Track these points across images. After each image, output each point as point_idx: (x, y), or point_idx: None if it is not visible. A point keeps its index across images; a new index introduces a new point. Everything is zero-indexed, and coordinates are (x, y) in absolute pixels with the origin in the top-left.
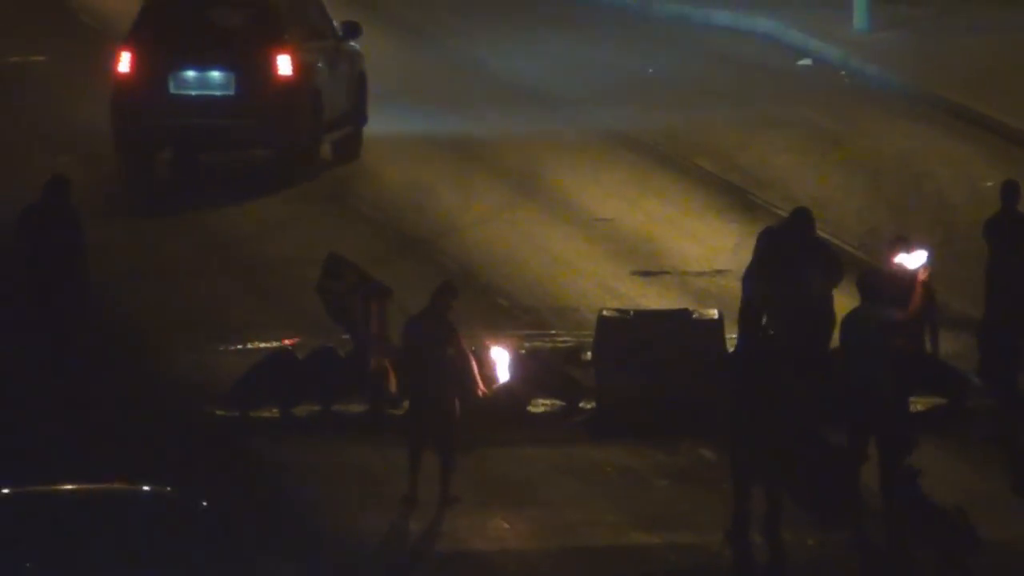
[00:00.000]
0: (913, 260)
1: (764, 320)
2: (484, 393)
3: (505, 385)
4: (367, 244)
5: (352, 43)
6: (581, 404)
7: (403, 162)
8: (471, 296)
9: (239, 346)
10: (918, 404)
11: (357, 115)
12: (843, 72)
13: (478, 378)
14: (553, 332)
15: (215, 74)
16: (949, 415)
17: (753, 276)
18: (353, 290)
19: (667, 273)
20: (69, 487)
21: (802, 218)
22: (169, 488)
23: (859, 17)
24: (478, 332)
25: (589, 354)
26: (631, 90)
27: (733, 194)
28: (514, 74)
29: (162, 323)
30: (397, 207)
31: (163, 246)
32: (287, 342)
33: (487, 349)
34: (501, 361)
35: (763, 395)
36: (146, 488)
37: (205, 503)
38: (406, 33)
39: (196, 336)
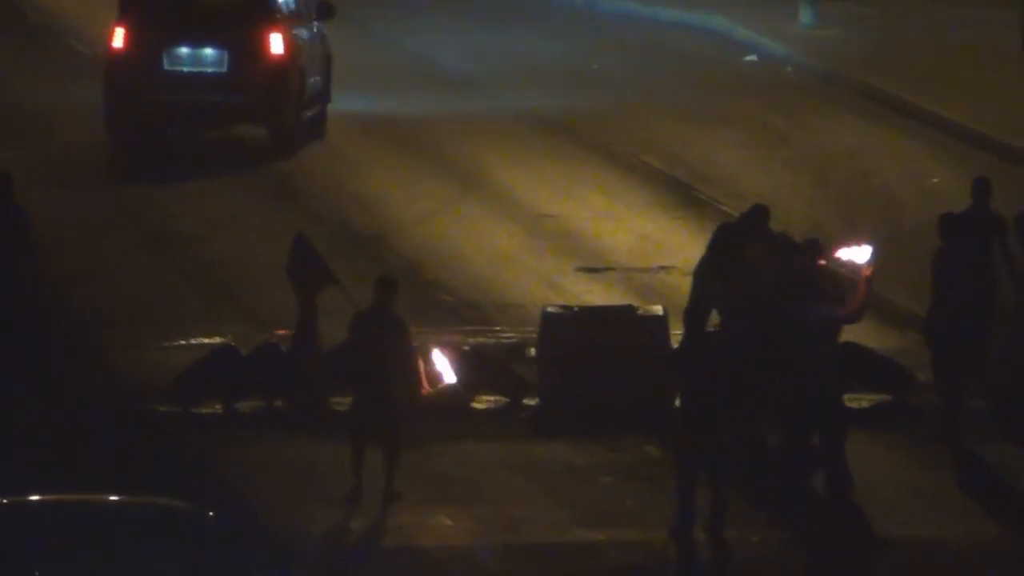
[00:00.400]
0: (859, 256)
1: (717, 317)
2: (428, 392)
3: (451, 385)
4: (315, 241)
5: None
6: (525, 400)
7: (349, 157)
8: (417, 292)
9: (182, 342)
10: (862, 400)
11: (326, 94)
12: (789, 68)
13: (423, 376)
14: (497, 328)
15: (208, 51)
16: (893, 412)
17: (705, 272)
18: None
19: (612, 269)
20: (103, 498)
21: (760, 215)
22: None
23: (805, 13)
24: (424, 328)
25: (533, 350)
26: (578, 87)
27: (679, 190)
28: (461, 69)
29: (103, 319)
30: (344, 203)
31: (105, 241)
32: (279, 333)
33: (431, 350)
34: (444, 364)
35: (708, 392)
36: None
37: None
38: (351, 25)
39: (138, 332)
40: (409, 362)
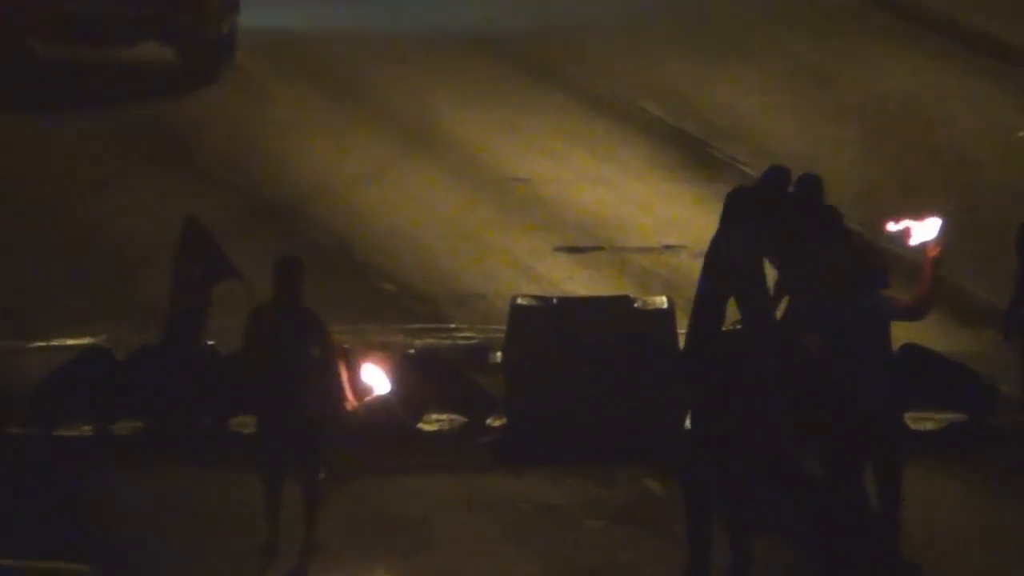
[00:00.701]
0: (922, 231)
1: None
2: (353, 407)
3: (385, 397)
4: (209, 213)
5: None
6: (489, 420)
7: (256, 95)
8: (346, 279)
9: (42, 343)
10: (927, 421)
11: (238, 2)
12: None
13: (348, 387)
14: (452, 326)
15: None
16: (967, 435)
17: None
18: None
19: (601, 249)
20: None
21: (814, 185)
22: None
23: None
24: (354, 326)
25: (499, 354)
26: (562, 17)
27: (688, 147)
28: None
29: None
30: (248, 164)
31: None
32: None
33: (359, 354)
34: (375, 372)
35: (727, 408)
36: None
37: None
38: None
39: None
40: (328, 371)
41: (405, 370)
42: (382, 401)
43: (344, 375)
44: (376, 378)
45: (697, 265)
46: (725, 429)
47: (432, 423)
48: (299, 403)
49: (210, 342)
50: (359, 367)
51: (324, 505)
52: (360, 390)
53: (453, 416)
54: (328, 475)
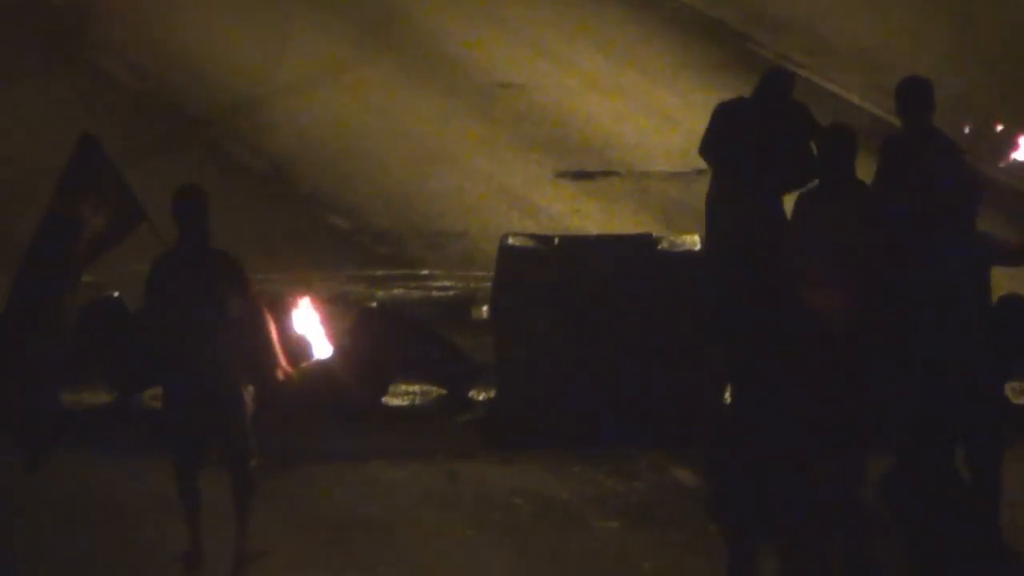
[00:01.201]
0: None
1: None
2: (287, 375)
3: (328, 362)
4: (111, 128)
5: None
6: (471, 393)
7: None
8: (286, 213)
9: None
10: None
11: None
12: None
13: (279, 350)
14: (425, 273)
15: None
16: None
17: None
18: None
19: (615, 175)
20: None
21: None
22: None
23: None
24: (295, 275)
25: (485, 309)
26: None
27: (724, 42)
28: None
29: None
30: (163, 62)
31: None
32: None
33: (294, 303)
34: (312, 326)
35: (777, 372)
36: None
37: None
38: None
39: None
40: (252, 329)
41: (364, 329)
42: (325, 367)
43: (273, 334)
44: (314, 335)
45: None
46: (775, 399)
47: (399, 396)
48: (216, 369)
49: (114, 293)
50: (291, 322)
51: (260, 500)
52: (294, 353)
53: (426, 387)
54: (263, 462)
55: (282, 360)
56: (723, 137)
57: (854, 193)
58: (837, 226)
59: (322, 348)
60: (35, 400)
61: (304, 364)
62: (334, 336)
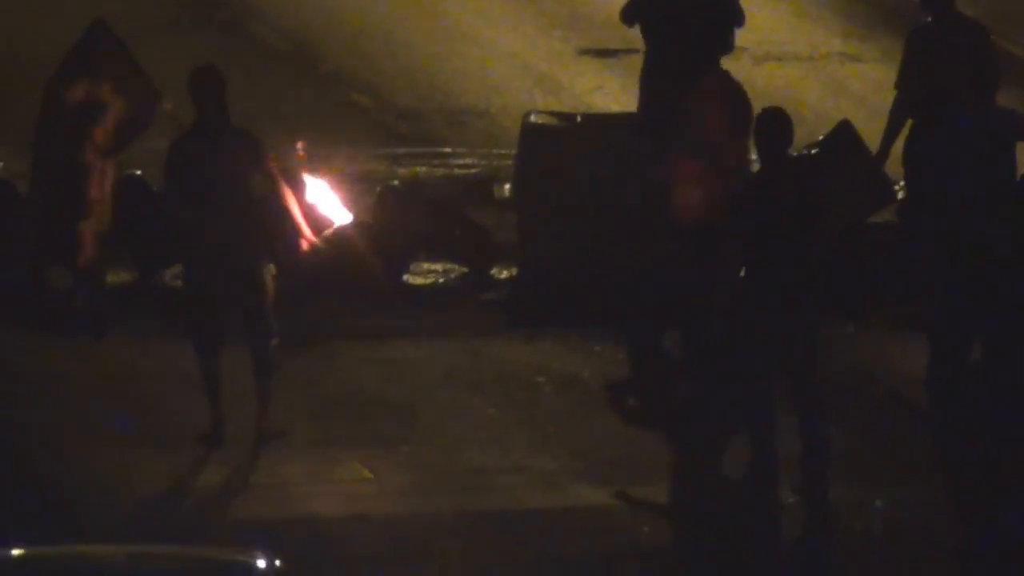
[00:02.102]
0: None
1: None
2: (313, 244)
3: (347, 228)
4: (131, 5)
5: None
6: (494, 271)
7: None
8: (307, 90)
9: None
10: None
11: None
12: None
13: (302, 221)
14: (447, 150)
15: None
16: None
17: None
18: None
19: (636, 52)
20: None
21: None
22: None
23: None
24: (323, 151)
25: (507, 187)
26: None
27: None
28: None
29: None
30: None
31: None
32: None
33: (303, 178)
34: (328, 196)
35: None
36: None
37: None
38: None
39: None
40: (278, 202)
41: (386, 206)
42: (347, 237)
43: (294, 206)
44: (332, 204)
45: (765, 72)
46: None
47: (422, 275)
48: (237, 248)
49: (136, 172)
50: (309, 193)
51: (281, 379)
52: (317, 222)
53: (449, 266)
54: (284, 341)
55: (306, 231)
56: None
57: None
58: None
59: (341, 215)
60: (89, 280)
61: (327, 232)
62: (350, 205)
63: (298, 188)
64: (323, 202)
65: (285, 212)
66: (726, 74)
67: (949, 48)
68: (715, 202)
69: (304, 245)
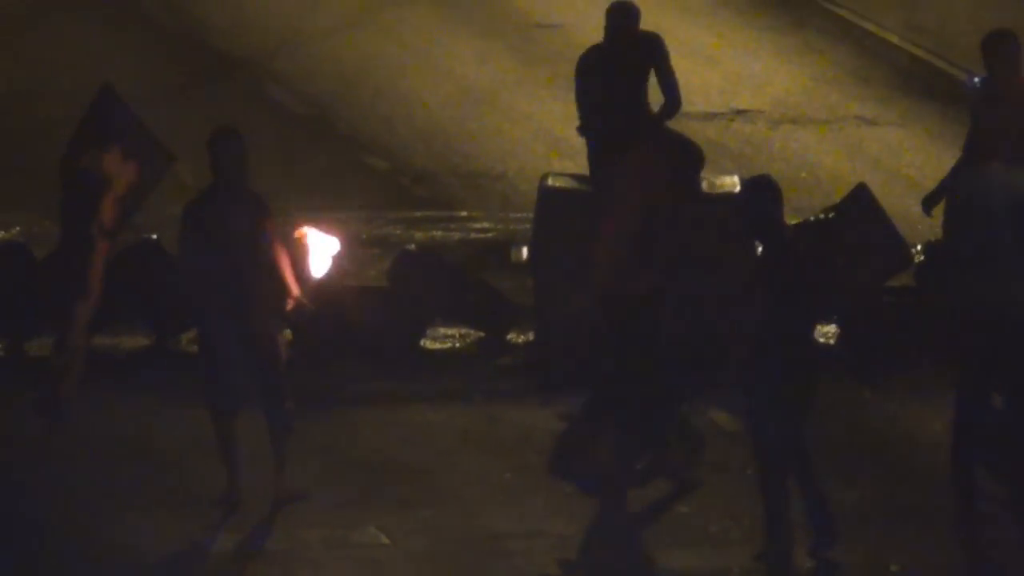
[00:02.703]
0: None
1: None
2: (299, 302)
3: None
4: (149, 67)
5: None
6: (511, 335)
7: None
8: (324, 154)
9: None
10: None
11: None
12: None
13: (290, 280)
14: (463, 214)
15: None
16: None
17: None
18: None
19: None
20: None
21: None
22: None
23: None
24: (340, 215)
25: (524, 251)
26: None
27: None
28: None
29: None
30: (202, 3)
31: None
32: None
33: (300, 233)
34: (320, 245)
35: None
36: None
37: None
38: None
39: None
40: (277, 261)
41: (403, 271)
42: (326, 280)
43: (286, 265)
44: (315, 260)
45: (781, 135)
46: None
47: (438, 339)
48: (251, 311)
49: (152, 236)
50: (296, 244)
51: (298, 444)
52: (304, 277)
53: (465, 330)
54: (301, 405)
55: (293, 289)
56: (587, 90)
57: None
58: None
59: (319, 263)
60: (60, 351)
61: (311, 286)
62: (336, 261)
63: (291, 247)
64: (306, 257)
65: (275, 271)
66: (652, 142)
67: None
68: (628, 268)
69: (289, 304)
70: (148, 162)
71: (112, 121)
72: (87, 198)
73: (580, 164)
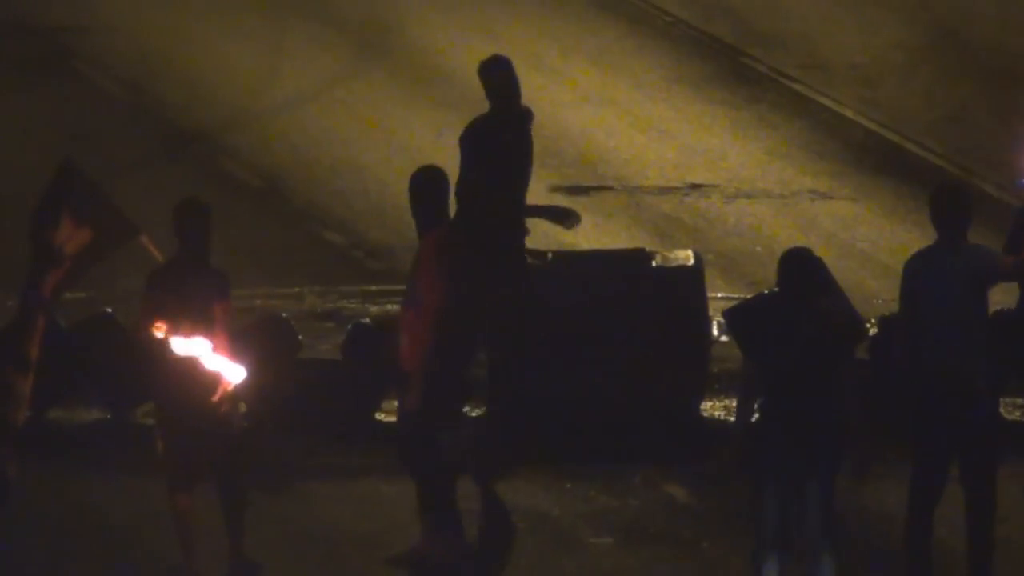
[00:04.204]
0: None
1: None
2: (221, 405)
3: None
4: (108, 143)
5: None
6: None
7: (164, 3)
8: (279, 228)
9: None
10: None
11: None
12: None
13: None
14: None
15: None
16: None
17: None
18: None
19: (609, 189)
20: None
21: None
22: None
23: None
24: (294, 290)
25: None
26: None
27: (719, 57)
28: None
29: None
30: (155, 81)
31: None
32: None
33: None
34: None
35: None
36: None
37: None
38: None
39: None
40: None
41: (357, 344)
42: (238, 391)
43: (224, 352)
44: (217, 358)
45: (732, 210)
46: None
47: (392, 412)
48: (208, 386)
49: (107, 309)
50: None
51: (253, 517)
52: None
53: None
54: (255, 478)
55: (225, 379)
56: (480, 164)
57: None
58: None
59: (230, 372)
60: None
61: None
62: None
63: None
64: (215, 358)
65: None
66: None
67: None
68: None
69: (217, 396)
70: (106, 231)
71: (71, 192)
72: (32, 269)
73: (535, 238)
